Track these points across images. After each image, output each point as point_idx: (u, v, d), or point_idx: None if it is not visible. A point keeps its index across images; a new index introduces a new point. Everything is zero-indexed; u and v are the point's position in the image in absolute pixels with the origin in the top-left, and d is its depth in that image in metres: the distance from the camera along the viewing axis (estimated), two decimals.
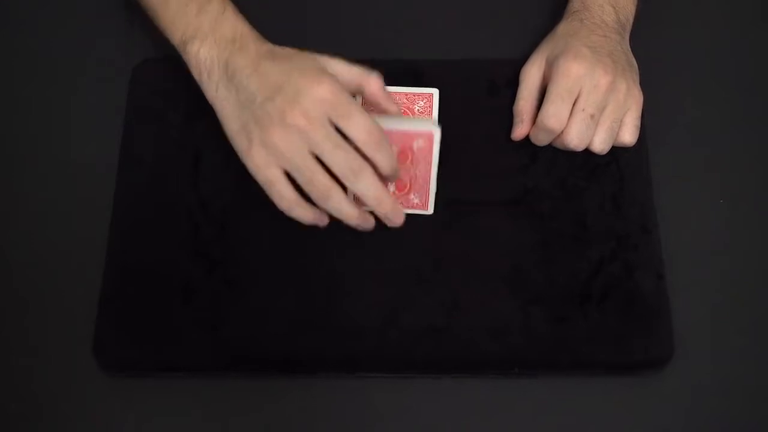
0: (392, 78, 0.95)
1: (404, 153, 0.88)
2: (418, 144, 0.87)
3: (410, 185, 0.88)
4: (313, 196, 0.82)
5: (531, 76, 0.93)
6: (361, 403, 0.84)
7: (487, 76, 0.95)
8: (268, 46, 0.84)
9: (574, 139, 0.89)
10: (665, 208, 0.91)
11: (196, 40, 0.84)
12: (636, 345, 0.85)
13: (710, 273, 0.89)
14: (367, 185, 0.82)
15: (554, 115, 0.88)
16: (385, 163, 0.83)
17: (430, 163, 0.88)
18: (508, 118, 0.93)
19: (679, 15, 1.01)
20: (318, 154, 0.80)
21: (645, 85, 0.92)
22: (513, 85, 0.94)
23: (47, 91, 0.97)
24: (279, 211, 0.84)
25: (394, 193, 0.88)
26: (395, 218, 0.85)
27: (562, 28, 0.93)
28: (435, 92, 0.94)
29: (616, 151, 0.92)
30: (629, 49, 0.93)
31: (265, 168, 0.81)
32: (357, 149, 0.81)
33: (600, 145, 0.90)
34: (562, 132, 0.89)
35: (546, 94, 0.89)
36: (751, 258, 0.90)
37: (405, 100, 0.94)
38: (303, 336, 0.85)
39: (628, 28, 0.95)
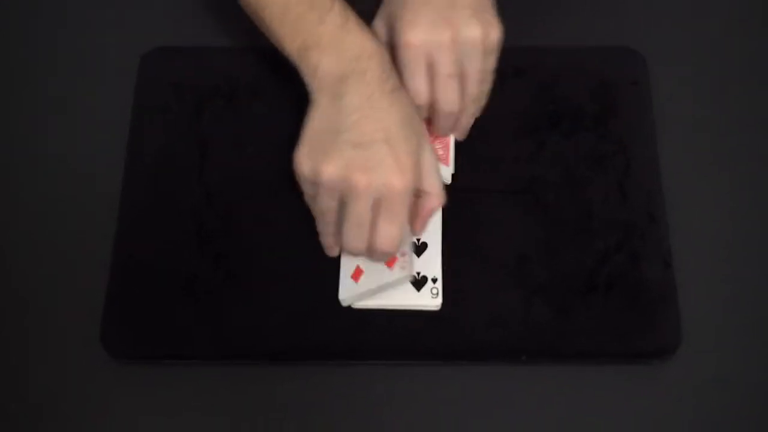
0: None
1: None
2: None
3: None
4: (315, 214, 0.84)
5: None
6: (366, 391, 0.85)
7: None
8: (391, 85, 0.80)
9: (446, 106, 0.85)
10: (673, 197, 0.90)
11: (315, 50, 0.81)
12: (643, 334, 0.85)
13: (718, 262, 0.89)
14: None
15: (414, 92, 0.84)
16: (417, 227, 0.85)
17: None
18: (514, 107, 0.93)
19: (686, 2, 1.00)
20: (344, 207, 0.80)
21: (654, 72, 0.91)
22: (521, 73, 0.94)
23: (53, 83, 0.97)
24: (284, 204, 0.85)
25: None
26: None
27: None
28: None
29: (624, 139, 0.91)
30: None
31: (302, 179, 0.81)
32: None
33: (473, 98, 0.86)
34: (436, 104, 0.85)
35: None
36: (759, 247, 0.90)
37: None
38: (307, 326, 0.86)
39: None
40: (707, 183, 0.92)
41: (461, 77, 0.84)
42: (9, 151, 0.95)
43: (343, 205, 0.81)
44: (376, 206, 0.79)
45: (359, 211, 0.79)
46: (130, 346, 0.86)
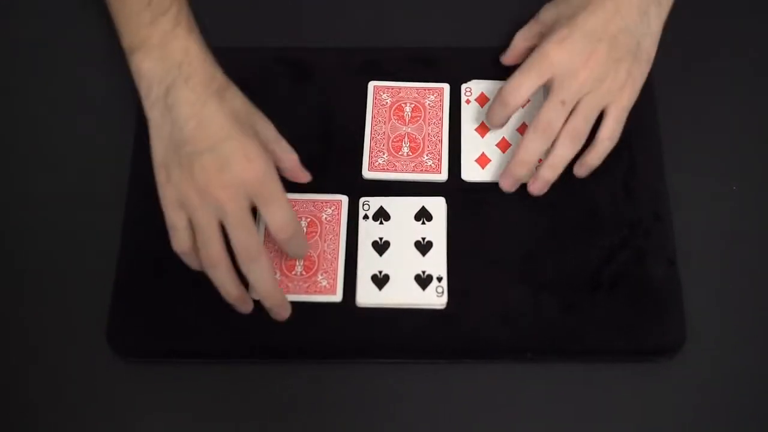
0: (404, 66, 0.96)
1: (312, 224, 0.88)
2: (326, 214, 0.88)
3: (317, 263, 0.87)
4: (202, 257, 0.81)
5: (529, 27, 0.93)
6: (371, 389, 0.85)
7: (499, 63, 0.95)
8: (217, 84, 0.81)
9: (542, 123, 0.86)
10: (678, 194, 0.90)
11: (141, 51, 0.81)
12: (648, 332, 0.85)
13: (722, 259, 0.89)
14: (259, 273, 0.81)
15: (514, 85, 0.86)
16: (294, 253, 0.84)
17: (338, 235, 0.88)
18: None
19: (691, 1, 1.00)
20: (224, 224, 0.80)
21: (658, 70, 0.91)
22: None
23: (60, 79, 0.98)
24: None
25: (301, 274, 0.87)
26: (281, 312, 0.84)
27: None
28: (446, 87, 0.95)
29: (628, 136, 0.90)
30: (651, 32, 0.88)
31: (173, 210, 0.81)
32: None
33: (572, 129, 0.86)
34: (534, 120, 0.87)
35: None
36: (764, 244, 0.90)
37: (416, 95, 0.94)
38: (314, 323, 0.86)
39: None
40: (712, 181, 0.92)
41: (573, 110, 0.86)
42: (17, 148, 0.95)
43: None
44: (254, 199, 0.80)
45: (235, 212, 0.79)
46: (137, 343, 0.86)
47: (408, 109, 0.94)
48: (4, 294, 0.89)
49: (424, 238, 0.88)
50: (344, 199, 0.90)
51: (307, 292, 0.86)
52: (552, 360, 0.86)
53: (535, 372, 0.85)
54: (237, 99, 0.82)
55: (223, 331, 0.86)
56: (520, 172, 0.88)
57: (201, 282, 0.86)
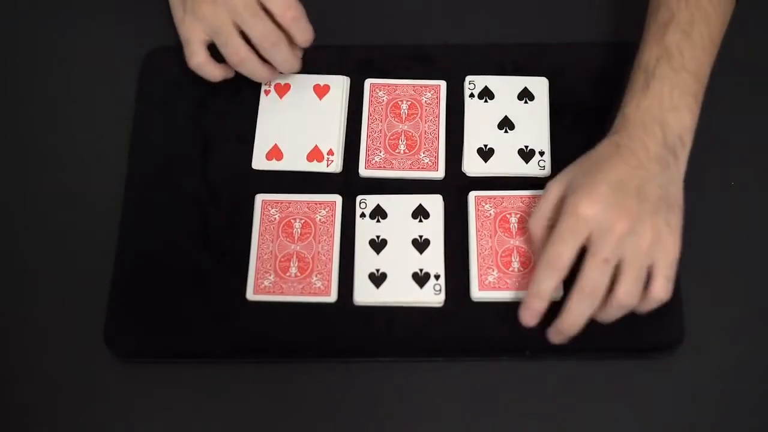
0: (400, 64, 0.96)
1: (306, 225, 0.88)
2: (320, 215, 0.88)
3: (312, 265, 0.88)
4: (230, 56, 0.90)
5: (550, 195, 0.83)
6: (369, 387, 0.85)
7: (495, 60, 0.96)
8: None
9: (588, 286, 0.80)
10: None
11: None
12: (646, 329, 0.85)
13: (720, 257, 0.89)
14: (283, 55, 0.90)
15: (554, 255, 0.80)
16: (300, 37, 0.90)
17: (332, 236, 0.88)
18: None
19: None
20: (239, 24, 0.88)
21: None
22: (521, 69, 0.95)
23: (58, 80, 0.98)
24: None
25: (295, 275, 0.87)
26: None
27: (597, 151, 0.84)
28: (442, 84, 0.95)
29: None
30: (675, 178, 0.83)
31: (190, 27, 0.90)
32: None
33: (624, 295, 0.80)
34: (577, 282, 0.80)
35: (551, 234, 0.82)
36: (762, 241, 0.90)
37: (412, 92, 0.94)
38: (312, 322, 0.86)
39: (682, 148, 0.83)
40: (710, 179, 0.91)
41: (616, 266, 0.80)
42: (13, 148, 0.96)
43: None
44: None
45: (246, 6, 0.87)
46: (135, 345, 0.86)
47: (404, 106, 0.94)
48: (2, 296, 0.89)
49: (421, 236, 0.88)
50: (338, 200, 0.90)
51: (301, 294, 0.86)
52: (550, 358, 0.85)
53: (534, 369, 0.85)
54: None
55: (221, 332, 0.86)
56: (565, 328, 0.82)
57: (199, 283, 0.87)
